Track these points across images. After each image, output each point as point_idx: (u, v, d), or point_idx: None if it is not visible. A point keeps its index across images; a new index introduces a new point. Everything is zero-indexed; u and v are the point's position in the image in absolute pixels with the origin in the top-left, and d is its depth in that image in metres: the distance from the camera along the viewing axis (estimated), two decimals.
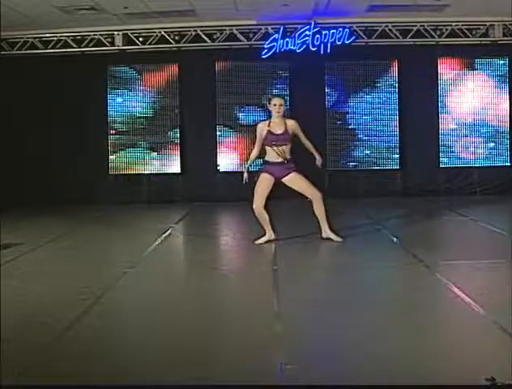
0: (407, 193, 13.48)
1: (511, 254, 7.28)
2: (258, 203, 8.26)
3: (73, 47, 13.31)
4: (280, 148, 8.13)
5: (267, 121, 8.30)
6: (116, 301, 5.87)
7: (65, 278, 6.72)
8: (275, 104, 8.17)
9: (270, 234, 8.44)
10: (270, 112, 8.34)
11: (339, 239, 8.32)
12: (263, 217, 8.35)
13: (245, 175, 8.35)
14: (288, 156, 8.21)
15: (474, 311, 5.13)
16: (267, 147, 8.21)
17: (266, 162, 8.28)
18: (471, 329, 4.77)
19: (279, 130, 8.15)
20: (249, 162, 8.49)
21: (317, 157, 8.27)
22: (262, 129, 8.26)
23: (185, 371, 4.02)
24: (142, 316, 5.43)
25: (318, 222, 8.36)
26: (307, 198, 8.33)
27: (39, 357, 4.26)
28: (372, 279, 6.69)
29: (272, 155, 8.19)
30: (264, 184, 8.23)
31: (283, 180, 8.24)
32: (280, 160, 8.16)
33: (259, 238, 8.46)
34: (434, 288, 6.07)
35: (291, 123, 8.24)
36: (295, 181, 8.23)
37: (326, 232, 8.36)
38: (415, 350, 4.32)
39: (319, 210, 8.27)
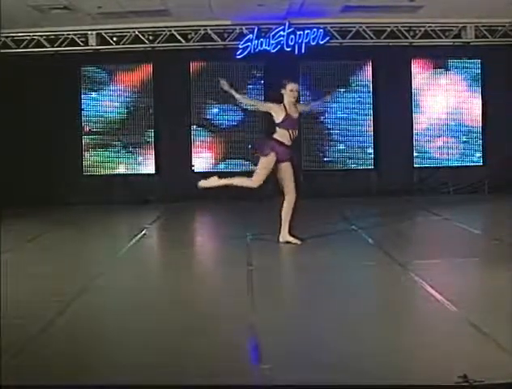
0: (381, 192, 13.56)
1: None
2: (260, 178, 8.12)
3: (46, 47, 13.21)
4: (295, 132, 8.10)
5: (282, 105, 8.08)
6: (91, 302, 5.83)
7: (39, 279, 6.65)
8: (291, 90, 8.06)
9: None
10: (282, 96, 8.13)
11: (298, 242, 8.18)
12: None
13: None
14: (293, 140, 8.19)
15: (447, 309, 5.17)
16: (283, 130, 8.01)
17: (277, 141, 8.04)
18: (444, 327, 4.80)
19: (295, 115, 8.11)
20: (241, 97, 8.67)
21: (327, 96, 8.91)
22: (277, 110, 8.04)
23: (161, 371, 4.01)
24: (118, 317, 5.41)
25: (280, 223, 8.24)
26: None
27: (12, 358, 4.23)
28: (346, 278, 6.72)
29: (286, 138, 8.03)
30: (269, 166, 8.05)
31: (281, 164, 8.09)
32: (290, 143, 8.10)
33: None
34: (408, 286, 6.11)
35: (300, 107, 8.34)
36: (287, 170, 8.13)
37: (285, 237, 8.22)
38: (388, 349, 4.35)
39: (287, 211, 8.15)
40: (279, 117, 8.02)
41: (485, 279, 6.48)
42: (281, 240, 8.24)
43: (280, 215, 8.22)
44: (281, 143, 8.03)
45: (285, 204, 8.18)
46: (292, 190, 8.18)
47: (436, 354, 4.17)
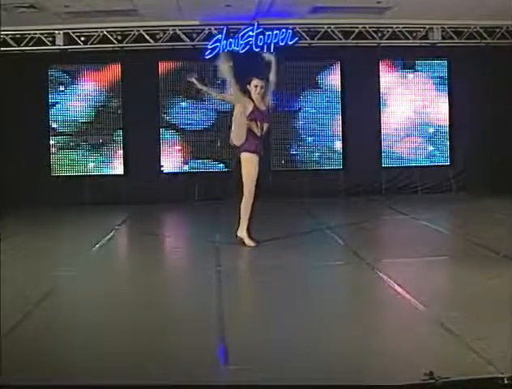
0: (349, 192, 13.63)
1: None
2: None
3: (12, 46, 13.06)
4: (264, 125, 8.07)
5: (250, 99, 8.09)
6: (60, 302, 5.79)
7: (5, 282, 6.57)
8: (255, 86, 8.08)
9: None
10: (249, 92, 8.15)
11: (252, 244, 8.10)
12: None
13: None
14: (263, 133, 8.12)
15: (416, 308, 5.21)
16: (251, 122, 8.02)
17: (248, 130, 8.05)
18: (412, 326, 4.83)
19: (263, 108, 8.10)
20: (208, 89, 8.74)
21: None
22: (246, 102, 8.03)
23: (131, 372, 3.99)
24: (86, 317, 5.37)
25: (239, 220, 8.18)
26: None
27: None
28: (314, 278, 6.74)
29: (255, 129, 8.04)
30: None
31: (242, 154, 8.07)
32: (259, 134, 8.08)
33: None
34: (376, 286, 6.15)
35: (267, 99, 8.18)
36: (248, 162, 8.02)
37: (241, 234, 8.14)
38: (356, 348, 4.37)
39: (245, 207, 8.08)
40: (247, 109, 8.05)
41: (454, 278, 6.54)
42: (238, 234, 8.15)
43: (239, 212, 8.15)
44: (252, 132, 8.04)
45: (243, 201, 8.11)
46: (247, 187, 8.06)
47: (404, 353, 4.20)
